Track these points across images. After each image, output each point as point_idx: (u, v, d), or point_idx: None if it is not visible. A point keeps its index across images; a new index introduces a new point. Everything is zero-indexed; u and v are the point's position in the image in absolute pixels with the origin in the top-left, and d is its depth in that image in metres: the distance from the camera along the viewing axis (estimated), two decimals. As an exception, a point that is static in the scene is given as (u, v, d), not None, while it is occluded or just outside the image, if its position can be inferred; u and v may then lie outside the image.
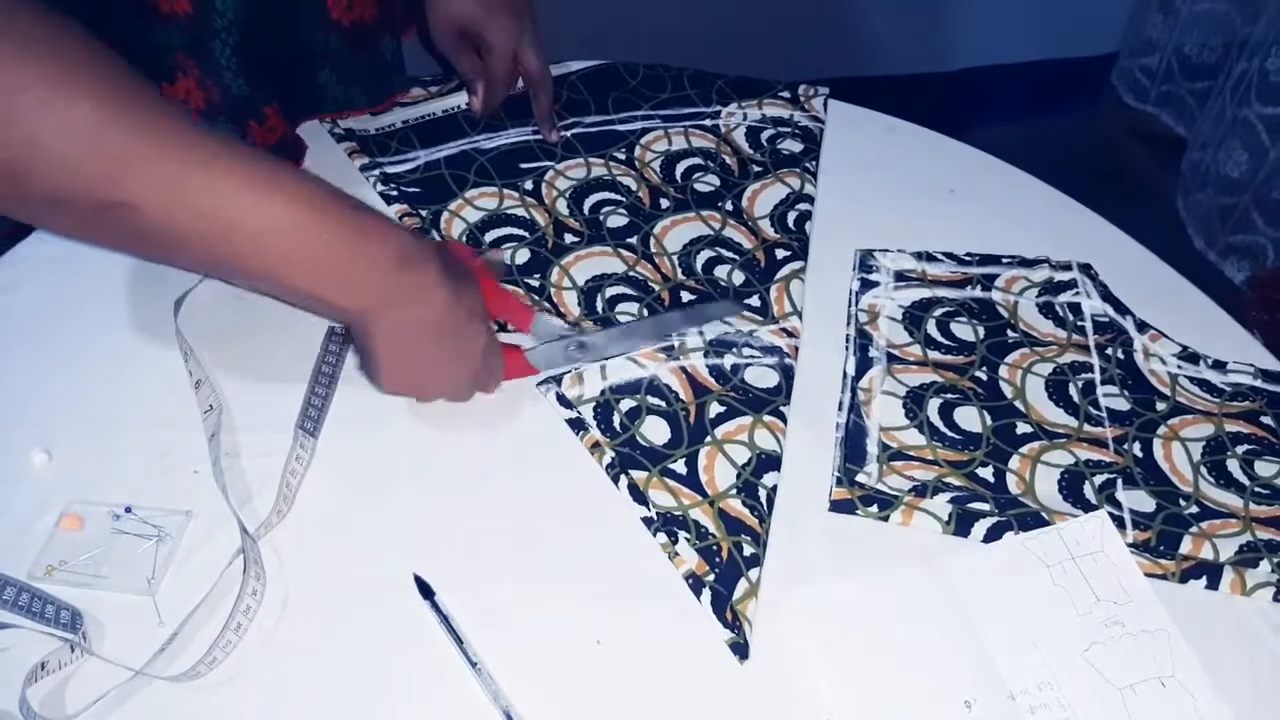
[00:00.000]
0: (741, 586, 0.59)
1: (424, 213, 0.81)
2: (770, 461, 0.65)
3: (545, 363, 0.70)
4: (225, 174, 0.52)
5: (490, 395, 0.68)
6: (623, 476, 0.64)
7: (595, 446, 0.65)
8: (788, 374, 0.70)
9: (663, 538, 0.61)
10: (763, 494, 0.63)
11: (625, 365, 0.69)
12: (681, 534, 0.61)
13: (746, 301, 0.75)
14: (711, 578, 0.59)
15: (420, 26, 0.89)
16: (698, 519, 0.62)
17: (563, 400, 0.68)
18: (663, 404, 0.67)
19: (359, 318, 0.60)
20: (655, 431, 0.66)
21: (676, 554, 0.60)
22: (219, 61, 0.75)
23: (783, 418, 0.67)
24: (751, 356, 0.71)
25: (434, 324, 0.61)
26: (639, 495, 0.63)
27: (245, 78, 0.77)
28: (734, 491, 0.63)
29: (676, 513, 0.62)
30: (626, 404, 0.67)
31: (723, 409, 0.67)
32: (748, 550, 0.60)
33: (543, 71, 0.87)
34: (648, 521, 0.62)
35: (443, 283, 0.60)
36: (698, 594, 0.59)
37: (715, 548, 0.61)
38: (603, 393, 0.68)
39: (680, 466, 0.64)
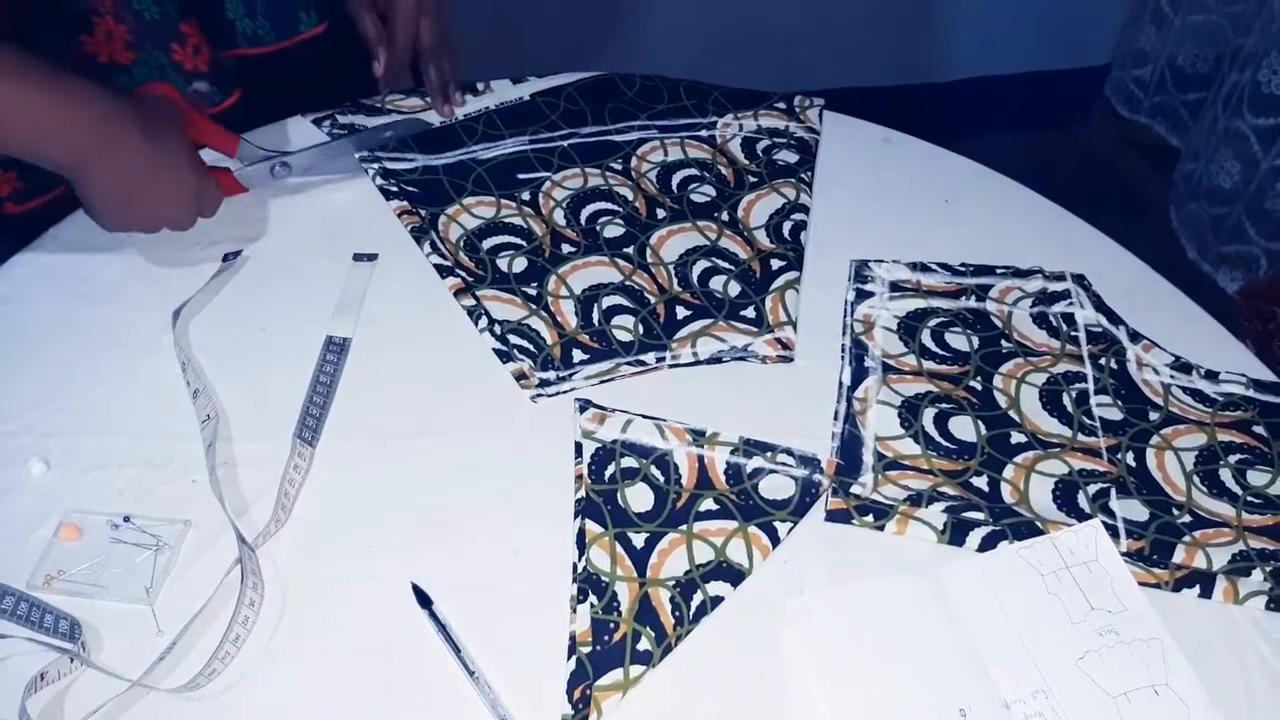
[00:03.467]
0: (613, 676, 0.55)
1: (422, 213, 0.81)
2: (728, 572, 0.61)
3: (253, 182, 0.82)
4: None
5: (210, 219, 0.79)
6: (580, 519, 0.63)
7: (579, 478, 0.65)
8: (808, 489, 0.65)
9: (574, 590, 0.59)
10: (698, 599, 0.59)
11: (649, 430, 0.67)
12: (591, 598, 0.59)
13: (742, 313, 0.76)
14: (587, 650, 0.56)
15: None
16: (618, 592, 0.59)
17: (584, 427, 0.67)
18: (661, 479, 0.65)
19: (73, 169, 0.69)
20: (639, 499, 0.64)
21: (574, 612, 0.58)
22: None
23: (773, 534, 0.63)
24: (783, 464, 0.66)
25: (142, 161, 0.71)
26: (581, 544, 0.61)
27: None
28: (671, 584, 0.60)
29: (603, 578, 0.60)
30: (628, 461, 0.66)
31: (715, 507, 0.64)
32: (643, 645, 0.57)
33: (437, 45, 0.89)
34: (573, 568, 0.60)
35: (143, 130, 0.70)
36: (567, 657, 0.56)
37: (612, 626, 0.58)
38: (614, 442, 0.67)
39: (639, 540, 0.62)
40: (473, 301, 0.75)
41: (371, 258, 0.79)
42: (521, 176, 0.86)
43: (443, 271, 0.77)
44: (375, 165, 0.85)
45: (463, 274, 0.77)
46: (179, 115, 0.75)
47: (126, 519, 0.61)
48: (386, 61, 0.88)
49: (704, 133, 0.92)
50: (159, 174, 0.72)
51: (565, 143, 0.90)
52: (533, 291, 0.77)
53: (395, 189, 0.83)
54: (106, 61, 0.80)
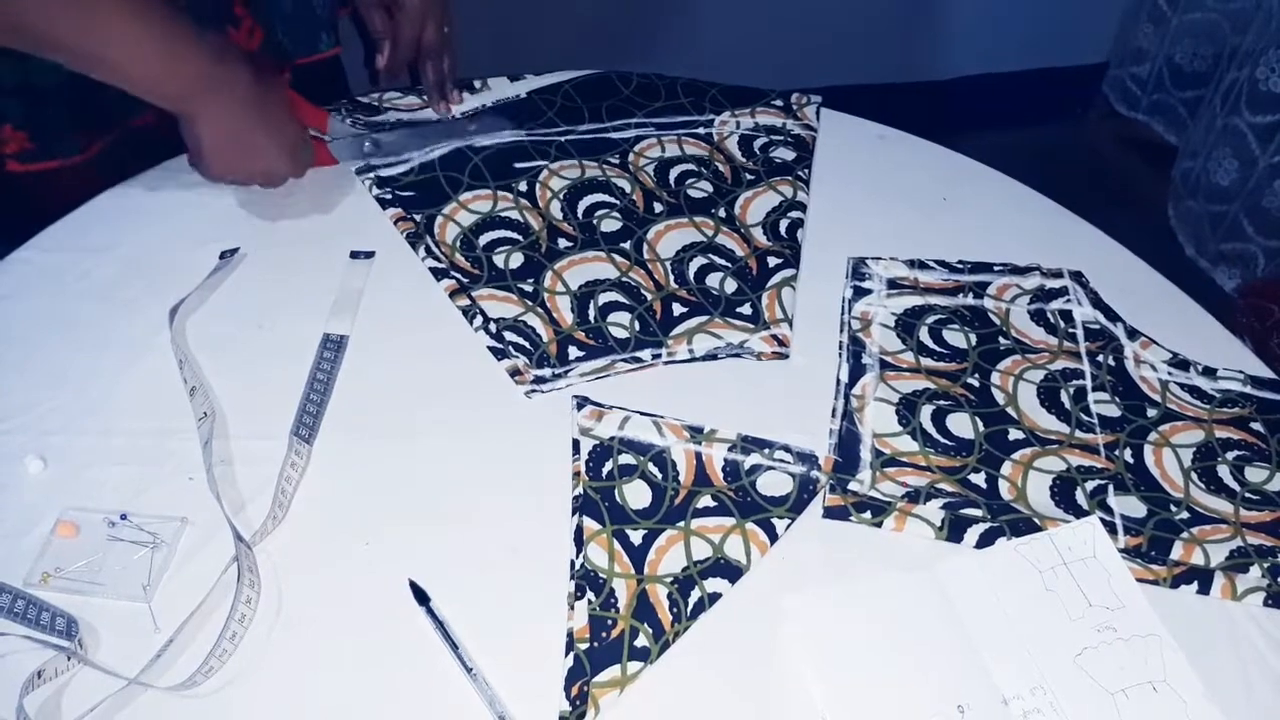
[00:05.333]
0: (610, 672, 0.55)
1: (418, 216, 0.81)
2: (725, 569, 0.60)
3: (343, 154, 0.85)
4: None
5: (300, 179, 0.82)
6: (577, 515, 0.63)
7: (577, 474, 0.65)
8: (806, 486, 0.65)
9: (571, 587, 0.59)
10: (695, 595, 0.59)
11: (647, 426, 0.67)
12: (589, 594, 0.58)
13: (738, 310, 0.76)
14: (585, 647, 0.56)
15: None
16: (615, 589, 0.59)
17: (581, 425, 0.67)
18: (659, 476, 0.65)
19: (184, 105, 0.73)
20: (636, 495, 0.64)
21: (572, 609, 0.58)
22: None
23: (770, 530, 0.63)
24: (780, 461, 0.66)
25: (250, 106, 0.75)
26: (579, 540, 0.61)
27: None
28: (669, 580, 0.60)
29: (600, 575, 0.59)
30: (625, 459, 0.66)
31: (713, 504, 0.64)
32: (641, 641, 0.57)
33: (439, 43, 0.89)
34: (571, 565, 0.60)
35: (253, 74, 0.74)
36: (565, 653, 0.56)
37: (610, 622, 0.57)
38: (612, 439, 0.66)
39: (637, 537, 0.61)
40: (468, 302, 0.75)
41: (369, 255, 0.79)
42: (519, 166, 0.86)
43: (438, 274, 0.77)
44: (370, 175, 0.85)
45: (458, 275, 0.77)
46: (281, 72, 0.79)
47: (123, 516, 0.61)
48: (390, 57, 0.89)
49: (701, 130, 0.92)
50: (266, 118, 0.76)
51: (563, 138, 0.90)
52: (529, 288, 0.77)
53: (390, 196, 0.83)
54: None
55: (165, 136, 0.77)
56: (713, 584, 0.60)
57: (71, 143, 0.82)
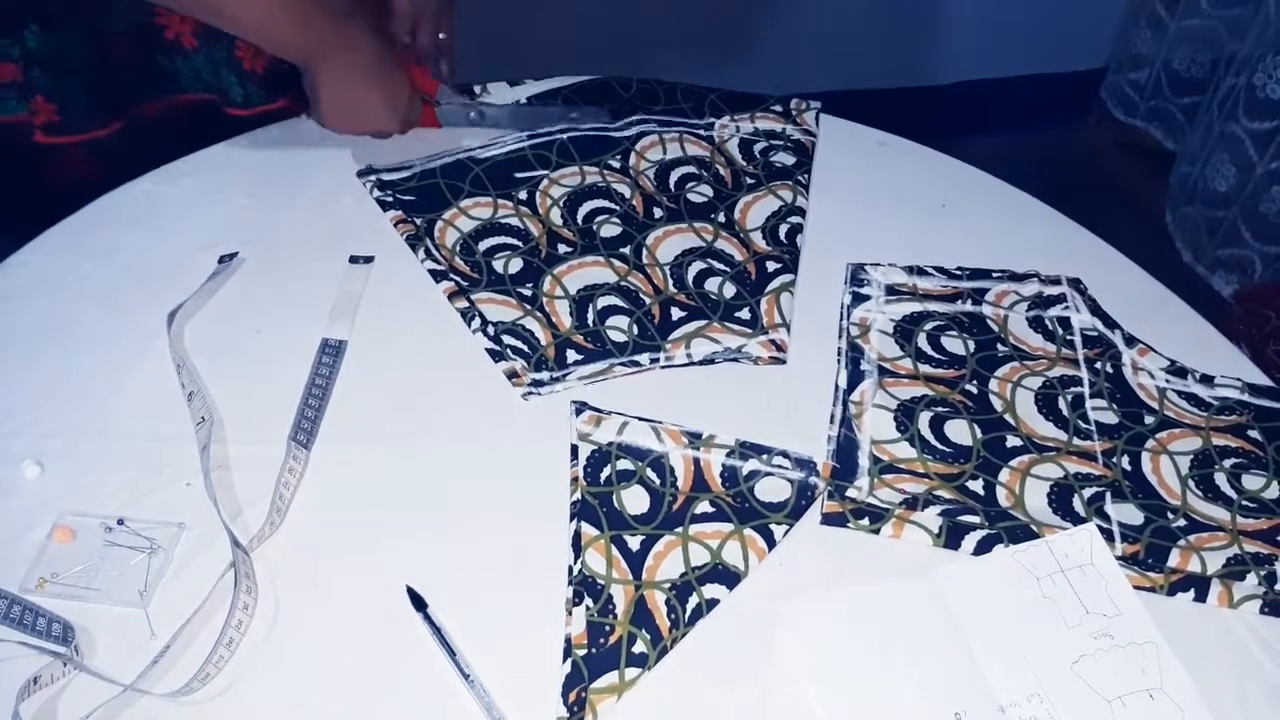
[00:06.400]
0: (608, 678, 0.55)
1: (418, 220, 0.81)
2: (723, 574, 0.60)
3: (449, 120, 0.90)
4: None
5: (405, 135, 0.87)
6: (575, 521, 0.62)
7: (575, 480, 0.65)
8: (804, 492, 0.65)
9: (569, 592, 0.59)
10: (694, 601, 0.59)
11: (646, 432, 0.67)
12: (587, 600, 0.58)
13: (737, 315, 0.76)
14: (583, 653, 0.56)
15: None
16: (614, 594, 0.59)
17: (579, 430, 0.67)
18: (657, 481, 0.65)
19: (307, 60, 0.77)
20: (634, 501, 0.64)
21: (570, 615, 0.58)
22: None
23: (769, 536, 0.62)
24: (778, 466, 0.66)
25: (369, 68, 0.79)
26: (577, 546, 0.61)
27: None
28: (666, 586, 0.60)
29: (599, 580, 0.59)
30: (624, 464, 0.66)
31: (711, 510, 0.64)
32: (639, 647, 0.57)
33: (431, 49, 0.92)
34: (569, 570, 0.60)
35: (374, 33, 0.79)
36: (563, 659, 0.56)
37: (608, 628, 0.57)
38: (610, 444, 0.66)
39: (635, 542, 0.61)
40: (466, 304, 0.75)
41: (368, 260, 0.79)
42: (519, 175, 0.86)
43: (437, 276, 0.77)
44: (372, 178, 0.85)
45: (457, 278, 0.77)
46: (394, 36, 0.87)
47: (120, 522, 0.61)
48: None
49: (702, 133, 0.92)
50: (383, 82, 0.81)
51: (564, 135, 0.90)
52: (528, 292, 0.77)
53: (390, 199, 0.83)
54: (172, 39, 0.83)
55: (179, 125, 0.78)
56: (710, 590, 0.60)
57: (93, 118, 0.83)
